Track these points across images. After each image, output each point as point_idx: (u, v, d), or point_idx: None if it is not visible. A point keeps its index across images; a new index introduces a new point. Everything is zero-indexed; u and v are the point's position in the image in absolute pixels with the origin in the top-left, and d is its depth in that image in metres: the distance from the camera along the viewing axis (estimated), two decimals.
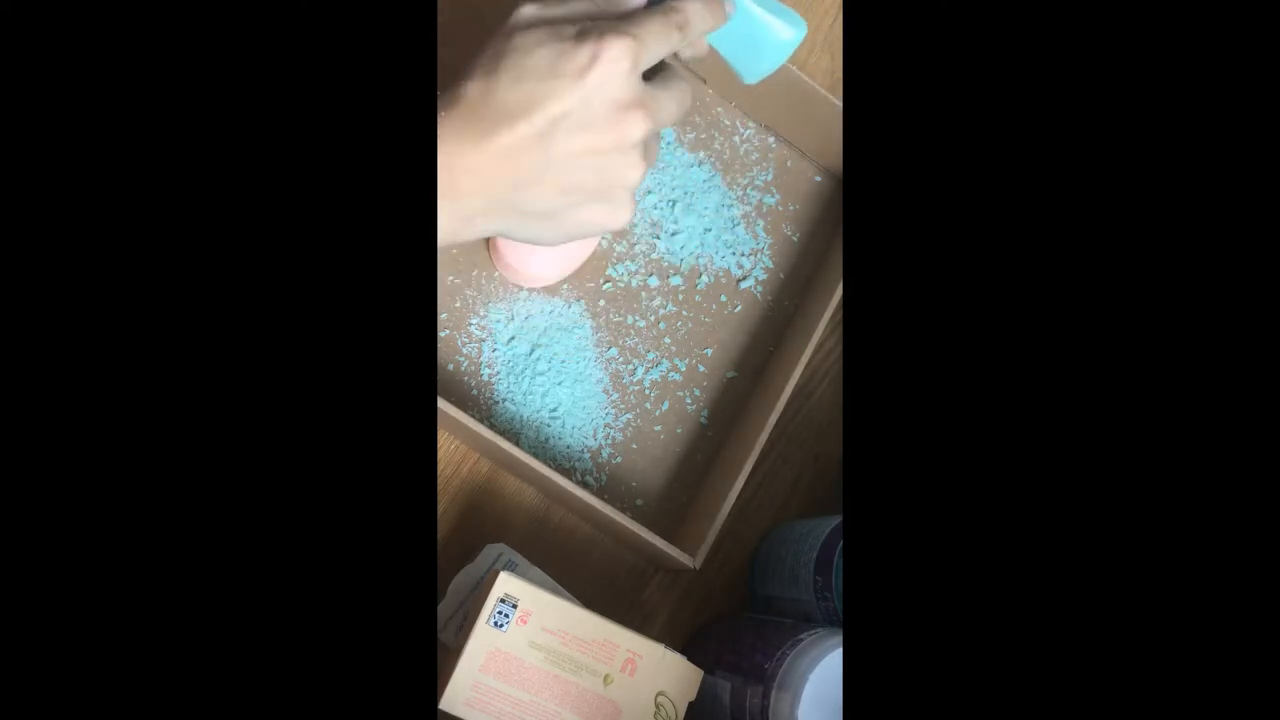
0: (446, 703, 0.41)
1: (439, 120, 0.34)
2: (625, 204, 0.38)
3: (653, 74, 0.38)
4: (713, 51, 0.49)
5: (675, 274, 0.59)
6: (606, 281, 0.58)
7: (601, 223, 0.38)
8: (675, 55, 0.40)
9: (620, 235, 0.58)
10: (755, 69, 0.44)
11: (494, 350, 0.55)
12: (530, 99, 0.34)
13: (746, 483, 0.50)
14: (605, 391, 0.56)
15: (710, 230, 0.60)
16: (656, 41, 0.36)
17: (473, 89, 0.35)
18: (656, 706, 0.43)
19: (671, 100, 0.38)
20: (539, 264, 0.54)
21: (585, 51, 0.34)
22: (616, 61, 0.35)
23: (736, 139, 0.63)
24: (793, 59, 0.48)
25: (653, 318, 0.58)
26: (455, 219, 0.35)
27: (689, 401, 0.57)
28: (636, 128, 0.36)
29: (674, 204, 0.60)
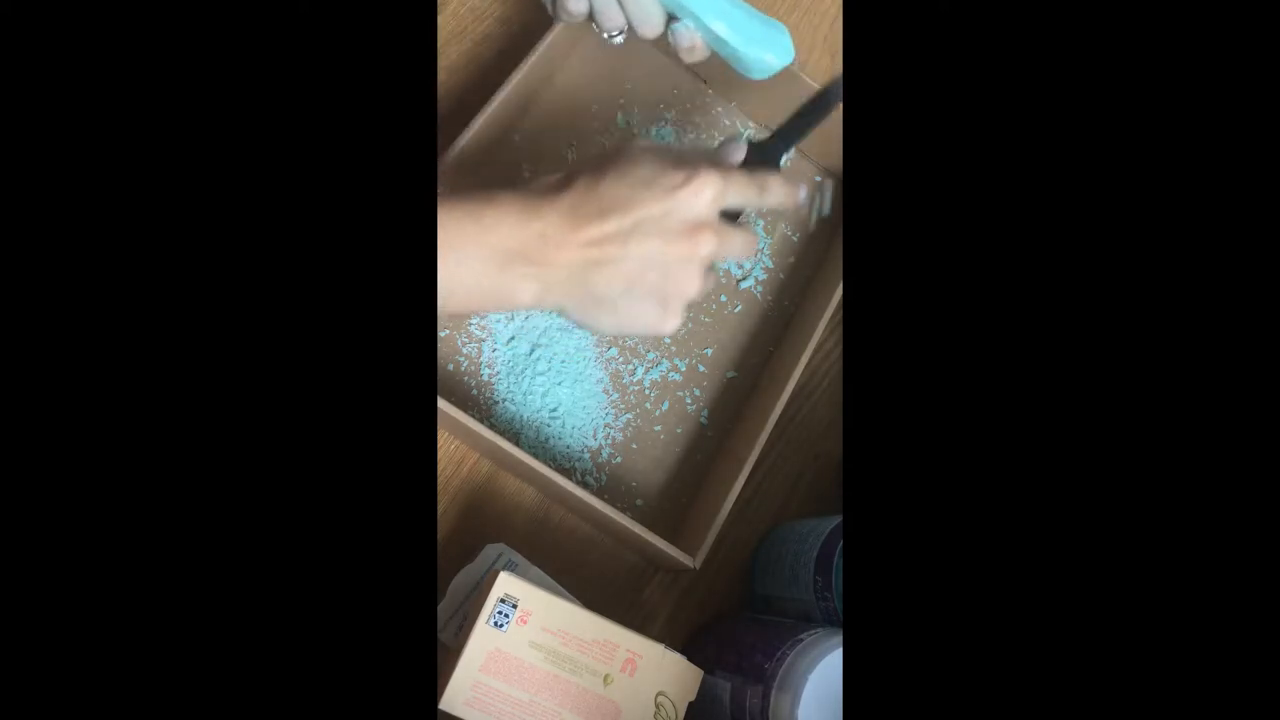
0: (446, 703, 0.41)
1: (549, 200, 0.40)
2: (676, 313, 0.42)
3: (730, 219, 0.44)
4: (713, 53, 0.49)
5: None
6: None
7: (652, 324, 0.42)
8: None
9: None
10: (753, 71, 0.48)
11: (494, 350, 0.55)
12: (625, 200, 0.40)
13: (746, 483, 0.50)
14: (605, 391, 0.56)
15: None
16: (739, 189, 0.42)
17: (581, 181, 0.41)
18: (656, 706, 0.43)
19: (739, 240, 0.43)
20: None
21: (681, 174, 0.41)
22: (704, 189, 0.40)
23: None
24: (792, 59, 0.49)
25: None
26: (538, 287, 0.40)
27: (689, 401, 0.57)
28: (706, 245, 0.41)
29: None
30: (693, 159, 0.42)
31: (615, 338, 0.57)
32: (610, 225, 0.40)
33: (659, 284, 0.41)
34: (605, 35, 0.47)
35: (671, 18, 0.46)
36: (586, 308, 0.41)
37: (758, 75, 0.47)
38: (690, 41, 0.46)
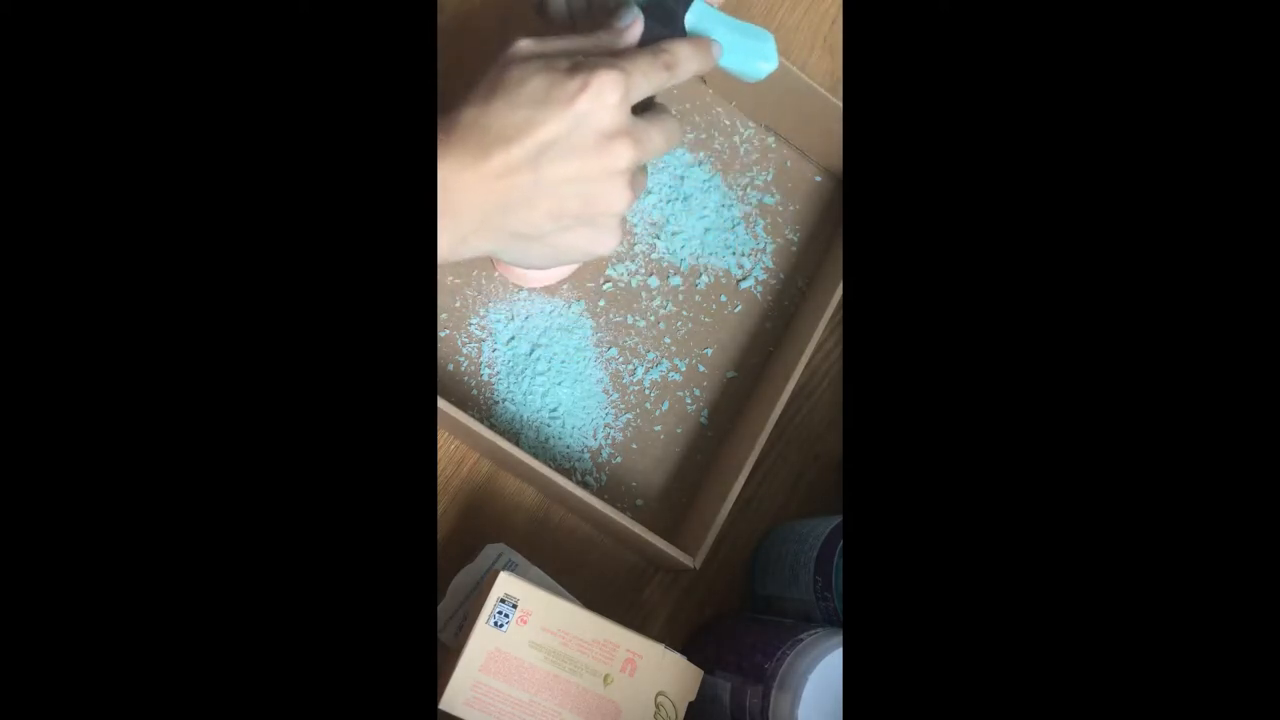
0: (446, 703, 0.41)
1: (438, 142, 0.36)
2: (612, 230, 0.39)
3: (643, 109, 0.40)
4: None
5: (675, 274, 0.59)
6: (606, 282, 0.58)
7: (587, 248, 0.39)
8: None
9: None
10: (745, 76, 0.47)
11: (494, 350, 0.55)
12: (522, 125, 0.36)
13: (746, 483, 0.50)
14: (605, 391, 0.56)
15: (710, 230, 0.60)
16: (645, 78, 0.38)
17: (468, 114, 0.36)
18: (656, 706, 0.43)
19: (659, 134, 0.39)
20: None
21: (576, 82, 0.36)
22: (605, 92, 0.36)
23: (736, 139, 0.63)
24: (793, 59, 0.48)
25: (653, 318, 0.58)
26: (450, 238, 0.36)
27: (689, 401, 0.57)
28: (623, 156, 0.37)
29: (674, 204, 0.60)
30: (586, 55, 0.38)
31: (615, 337, 0.57)
32: (513, 155, 0.36)
33: (584, 207, 0.38)
34: None
35: None
36: (513, 248, 0.38)
37: (751, 80, 0.47)
38: None
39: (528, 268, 0.41)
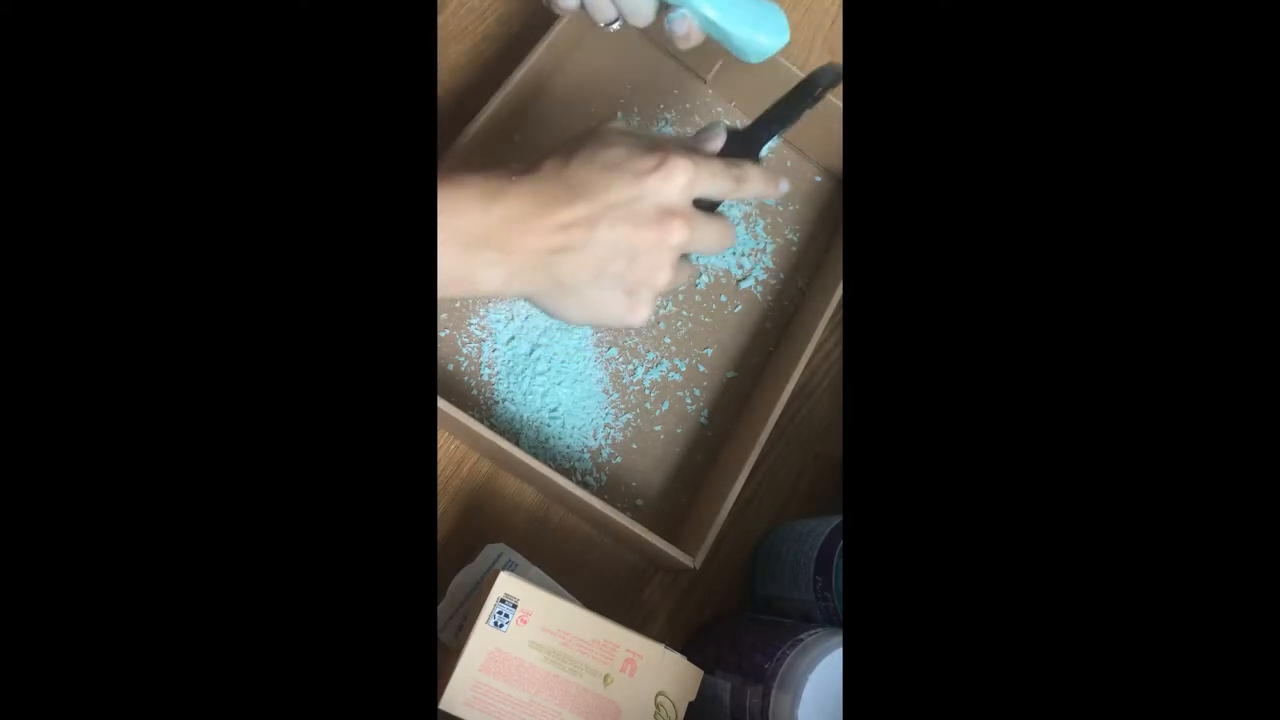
0: (446, 703, 0.41)
1: (514, 183, 0.38)
2: (645, 303, 0.41)
3: (706, 210, 0.42)
4: (714, 49, 0.49)
5: None
6: None
7: (619, 314, 0.41)
8: None
9: None
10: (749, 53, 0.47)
11: (494, 350, 0.55)
12: (594, 184, 0.38)
13: (746, 483, 0.50)
14: (605, 391, 0.56)
15: None
16: (713, 179, 0.40)
17: (549, 166, 0.39)
18: (656, 706, 0.43)
19: (714, 230, 0.41)
20: None
21: (652, 159, 0.39)
22: (675, 174, 0.39)
23: None
24: (793, 59, 0.48)
25: (652, 317, 0.58)
26: (503, 274, 0.38)
27: (689, 401, 0.57)
28: (676, 234, 0.39)
29: None
30: (666, 144, 0.40)
31: (615, 337, 0.57)
32: (578, 210, 0.38)
33: (626, 272, 0.39)
34: (601, 25, 0.47)
35: (665, 7, 0.46)
36: (552, 295, 0.40)
37: (753, 58, 0.47)
38: (685, 29, 0.46)
39: (557, 318, 0.42)
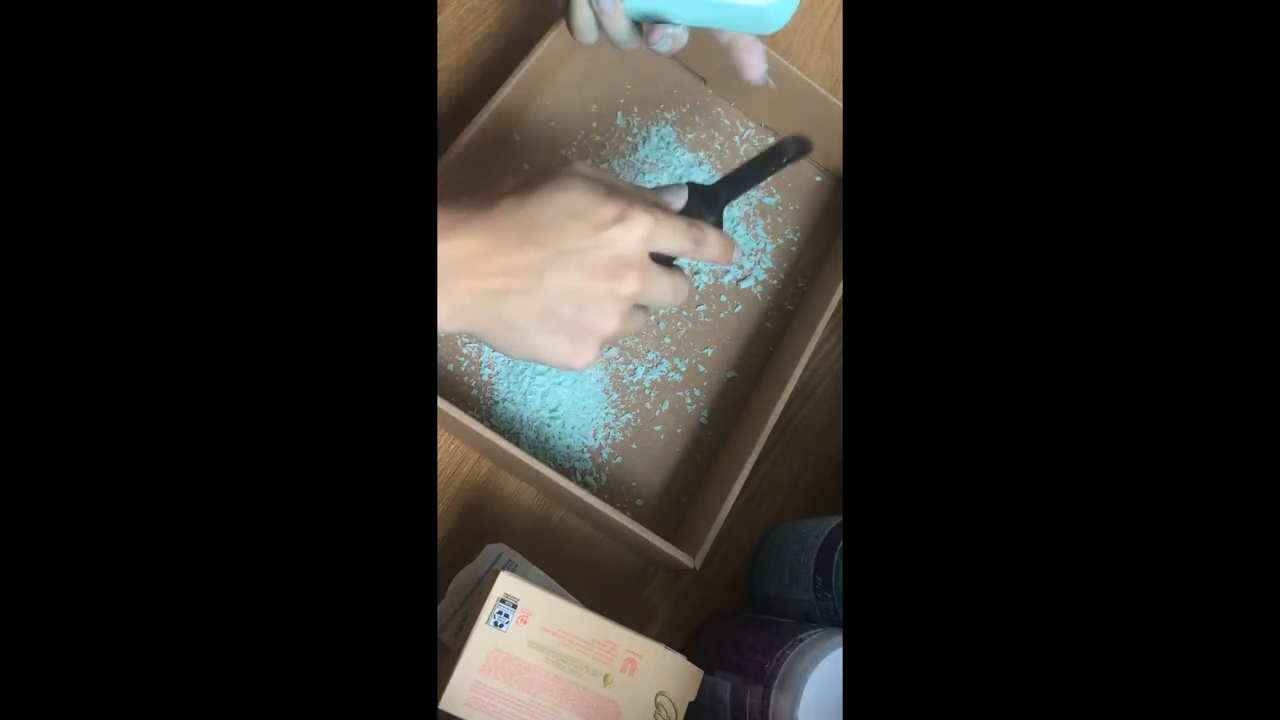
0: (446, 703, 0.41)
1: (469, 216, 0.38)
2: (589, 348, 0.40)
3: (663, 264, 0.42)
4: (714, 49, 0.49)
5: None
6: None
7: (561, 357, 0.40)
8: None
9: None
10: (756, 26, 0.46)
11: (494, 350, 0.55)
12: (548, 229, 0.38)
13: (746, 483, 0.50)
14: (605, 391, 0.56)
15: None
16: (672, 236, 0.40)
17: (504, 205, 0.39)
18: (656, 706, 0.43)
19: (668, 284, 0.41)
20: None
21: (613, 209, 0.39)
22: (635, 227, 0.39)
23: (736, 139, 0.63)
24: (793, 59, 0.48)
25: (653, 318, 0.58)
26: (446, 309, 0.38)
27: (689, 401, 0.57)
28: (629, 285, 0.39)
29: None
30: (627, 193, 0.40)
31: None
32: (528, 255, 0.38)
33: (573, 318, 0.39)
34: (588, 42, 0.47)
35: (652, 27, 0.45)
36: (495, 333, 0.40)
37: (770, 27, 0.45)
38: (669, 46, 0.45)
39: (502, 353, 0.42)
